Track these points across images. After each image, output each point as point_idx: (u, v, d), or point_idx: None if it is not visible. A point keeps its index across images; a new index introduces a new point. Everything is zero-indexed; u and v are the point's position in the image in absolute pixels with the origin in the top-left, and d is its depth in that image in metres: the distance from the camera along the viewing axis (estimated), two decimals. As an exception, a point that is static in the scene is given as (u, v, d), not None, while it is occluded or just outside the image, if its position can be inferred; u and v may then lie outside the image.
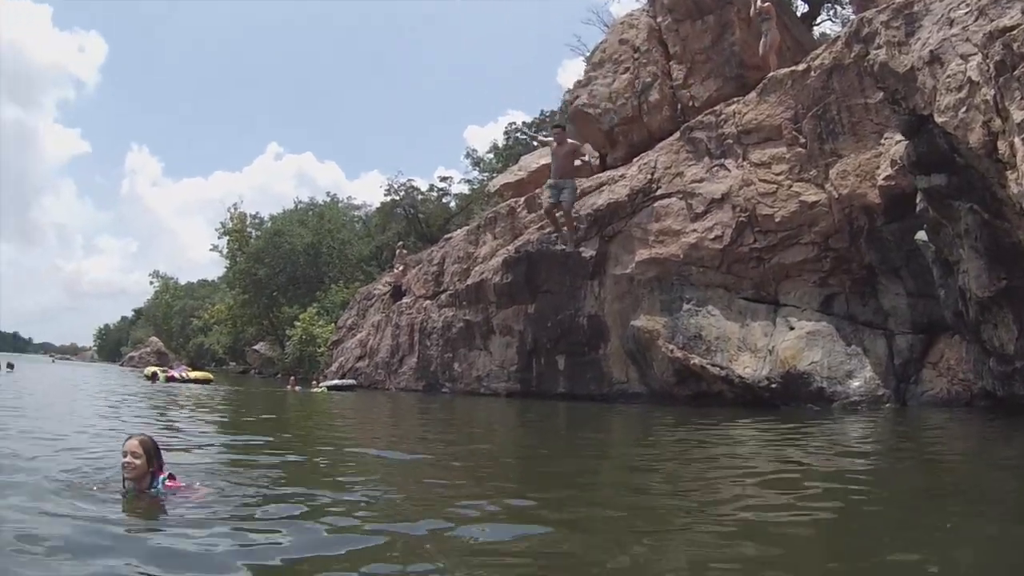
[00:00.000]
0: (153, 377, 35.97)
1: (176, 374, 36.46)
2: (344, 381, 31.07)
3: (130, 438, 6.06)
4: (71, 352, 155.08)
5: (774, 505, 5.91)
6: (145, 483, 5.85)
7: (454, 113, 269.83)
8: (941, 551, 4.45)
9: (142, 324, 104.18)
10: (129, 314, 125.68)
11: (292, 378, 32.99)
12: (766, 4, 18.31)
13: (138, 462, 5.83)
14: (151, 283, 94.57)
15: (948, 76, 10.71)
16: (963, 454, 9.43)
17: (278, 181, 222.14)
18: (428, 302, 27.32)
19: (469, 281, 24.23)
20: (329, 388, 29.40)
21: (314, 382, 32.26)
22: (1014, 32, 9.50)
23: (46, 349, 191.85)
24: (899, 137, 12.96)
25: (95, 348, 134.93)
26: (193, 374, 36.93)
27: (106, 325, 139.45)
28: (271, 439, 11.03)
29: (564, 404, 19.12)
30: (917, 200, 12.32)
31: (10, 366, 39.74)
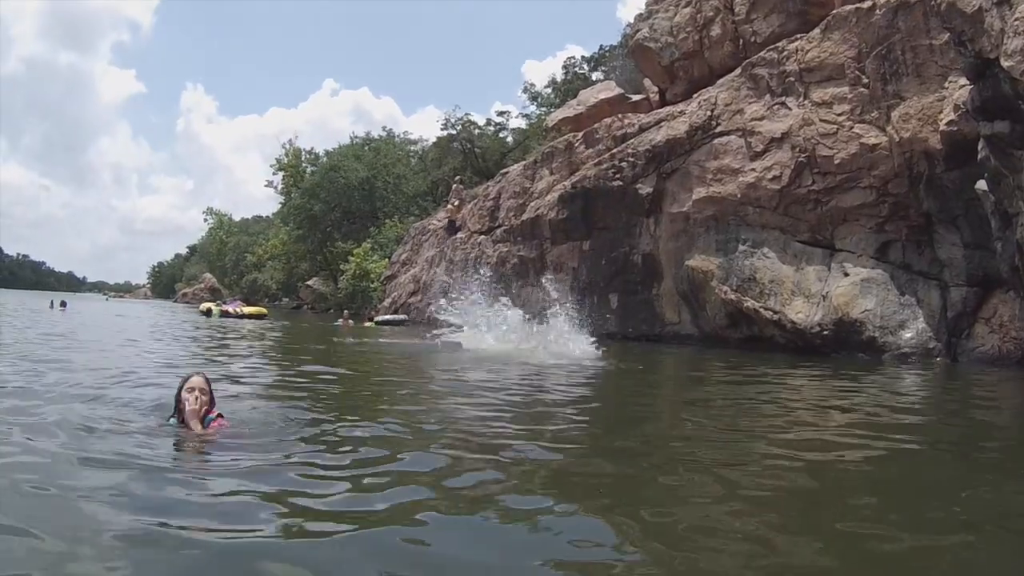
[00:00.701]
0: (208, 313, 36.55)
1: (231, 309, 37.06)
2: (395, 316, 31.48)
3: (195, 375, 6.23)
4: (125, 290, 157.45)
5: (796, 462, 5.82)
6: (201, 417, 5.96)
7: (512, 47, 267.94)
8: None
9: (196, 261, 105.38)
10: (183, 251, 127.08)
11: (345, 312, 33.29)
12: None
13: (205, 398, 6.02)
14: (205, 220, 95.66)
15: (1017, 19, 10.34)
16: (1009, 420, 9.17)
17: (334, 117, 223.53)
18: (483, 237, 27.36)
19: (524, 216, 24.22)
20: (379, 323, 29.80)
21: (367, 319, 32.43)
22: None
23: (100, 288, 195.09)
24: (963, 81, 12.59)
25: (149, 285, 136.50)
26: (247, 309, 37.50)
27: (160, 263, 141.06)
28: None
29: (616, 344, 19.03)
30: (979, 147, 11.89)
31: (63, 304, 40.20)
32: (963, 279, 14.00)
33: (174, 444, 5.65)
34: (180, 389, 6.13)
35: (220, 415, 6.15)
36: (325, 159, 55.28)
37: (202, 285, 74.15)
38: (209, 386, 6.18)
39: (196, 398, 5.97)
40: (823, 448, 6.06)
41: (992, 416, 8.77)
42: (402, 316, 31.89)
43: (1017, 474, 5.54)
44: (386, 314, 33.06)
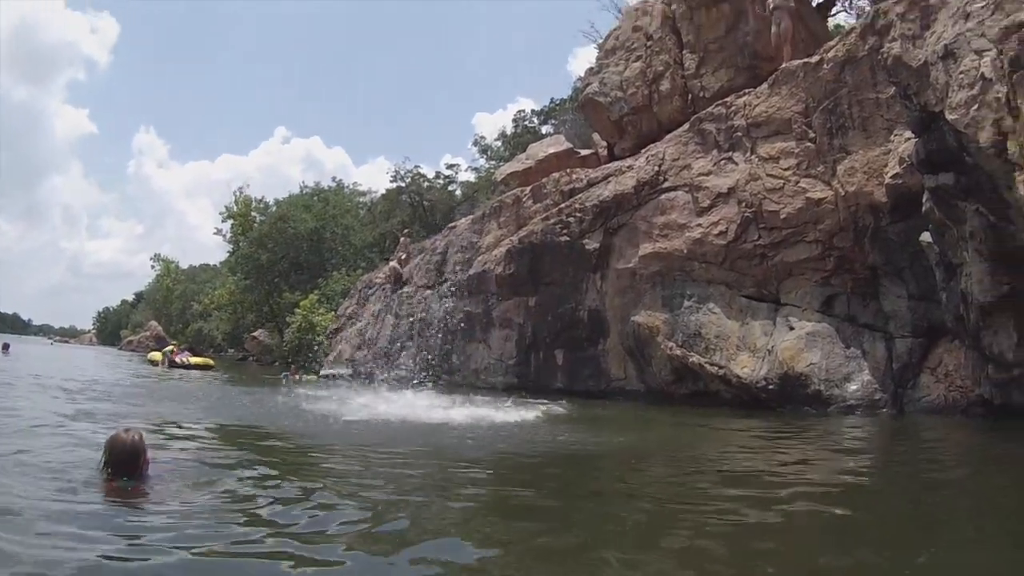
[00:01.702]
0: (159, 362, 36.24)
1: (179, 359, 36.65)
2: (340, 371, 31.15)
3: (127, 432, 6.08)
4: (70, 335, 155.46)
5: (742, 509, 5.63)
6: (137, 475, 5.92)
7: (464, 100, 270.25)
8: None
9: (142, 308, 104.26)
10: (130, 297, 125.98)
11: (293, 367, 33.11)
12: None
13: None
14: (152, 267, 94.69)
15: (961, 72, 10.36)
16: (951, 465, 9.06)
17: (285, 164, 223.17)
18: (429, 292, 27.07)
19: (471, 271, 23.94)
20: (323, 377, 29.58)
21: (313, 373, 32.35)
22: (1030, 28, 9.15)
23: (46, 331, 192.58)
24: (909, 134, 12.62)
25: (94, 331, 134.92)
26: (195, 360, 37.35)
27: (106, 308, 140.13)
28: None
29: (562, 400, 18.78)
30: (923, 200, 11.90)
31: (5, 347, 39.67)
32: (908, 330, 13.92)
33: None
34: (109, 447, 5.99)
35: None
36: (274, 208, 54.94)
37: (148, 333, 73.07)
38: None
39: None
40: (755, 505, 5.84)
41: (935, 467, 8.57)
42: (347, 370, 31.56)
43: (961, 532, 5.35)
44: (331, 368, 32.68)
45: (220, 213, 56.72)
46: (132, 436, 5.89)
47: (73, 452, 7.30)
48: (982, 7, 10.52)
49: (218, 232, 58.20)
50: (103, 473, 5.86)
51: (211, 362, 38.82)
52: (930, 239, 12.23)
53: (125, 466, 5.73)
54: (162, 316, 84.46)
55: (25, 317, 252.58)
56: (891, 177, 13.42)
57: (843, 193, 14.44)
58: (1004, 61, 9.43)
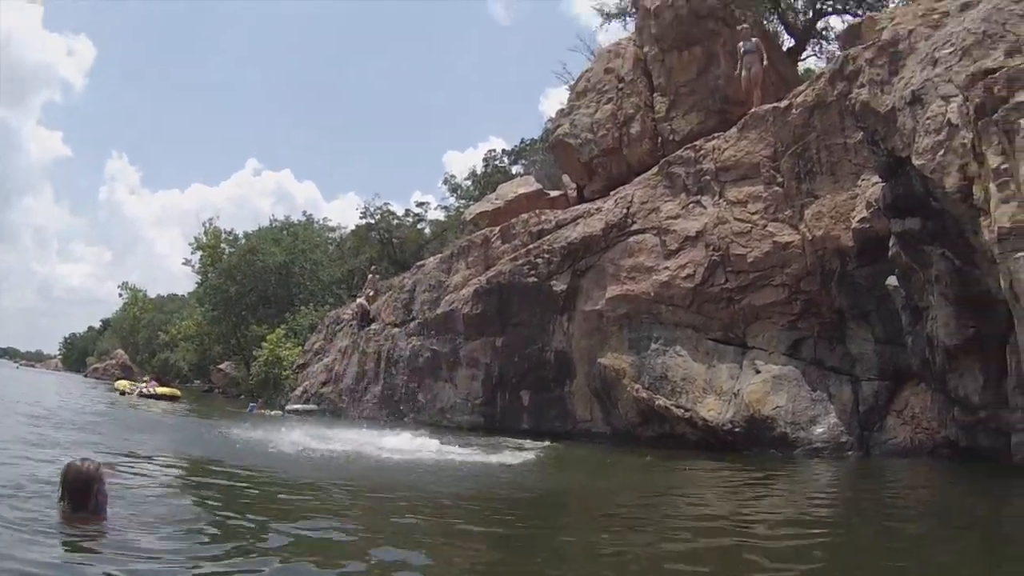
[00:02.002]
0: (126, 391, 36.06)
1: (146, 389, 36.51)
2: (305, 406, 30.86)
3: (82, 462, 6.13)
4: (36, 359, 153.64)
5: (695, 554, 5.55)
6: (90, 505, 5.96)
7: (434, 138, 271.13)
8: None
9: (109, 335, 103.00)
10: (97, 324, 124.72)
11: (260, 400, 32.92)
12: (753, 40, 18.15)
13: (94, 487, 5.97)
14: (120, 295, 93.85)
15: (928, 118, 10.50)
16: (913, 508, 9.11)
17: (256, 197, 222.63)
18: (396, 330, 26.87)
19: (439, 310, 23.80)
20: (288, 411, 29.26)
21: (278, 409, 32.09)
22: (995, 75, 9.21)
23: (11, 354, 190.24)
24: (876, 179, 12.75)
25: (60, 356, 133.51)
26: (161, 390, 37.11)
27: (72, 334, 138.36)
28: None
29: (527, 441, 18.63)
30: (890, 244, 11.99)
31: None
32: (875, 373, 13.92)
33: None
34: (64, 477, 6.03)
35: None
36: (244, 241, 54.64)
37: (114, 361, 72.19)
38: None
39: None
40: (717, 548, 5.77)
41: (893, 513, 8.53)
42: (312, 406, 31.36)
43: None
44: (297, 402, 32.44)
45: (189, 244, 56.44)
46: (87, 466, 5.92)
47: (31, 479, 7.31)
48: (949, 53, 10.64)
49: (187, 263, 57.70)
50: (60, 504, 5.93)
51: (177, 392, 38.44)
52: (896, 283, 12.30)
53: (78, 495, 5.78)
54: (129, 344, 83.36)
55: None
56: (858, 221, 13.47)
57: (810, 237, 14.48)
58: (970, 108, 9.48)
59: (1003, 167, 8.60)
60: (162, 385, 40.29)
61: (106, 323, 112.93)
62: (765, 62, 18.03)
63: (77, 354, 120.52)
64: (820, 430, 14.07)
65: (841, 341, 14.50)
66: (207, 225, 55.74)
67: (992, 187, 8.89)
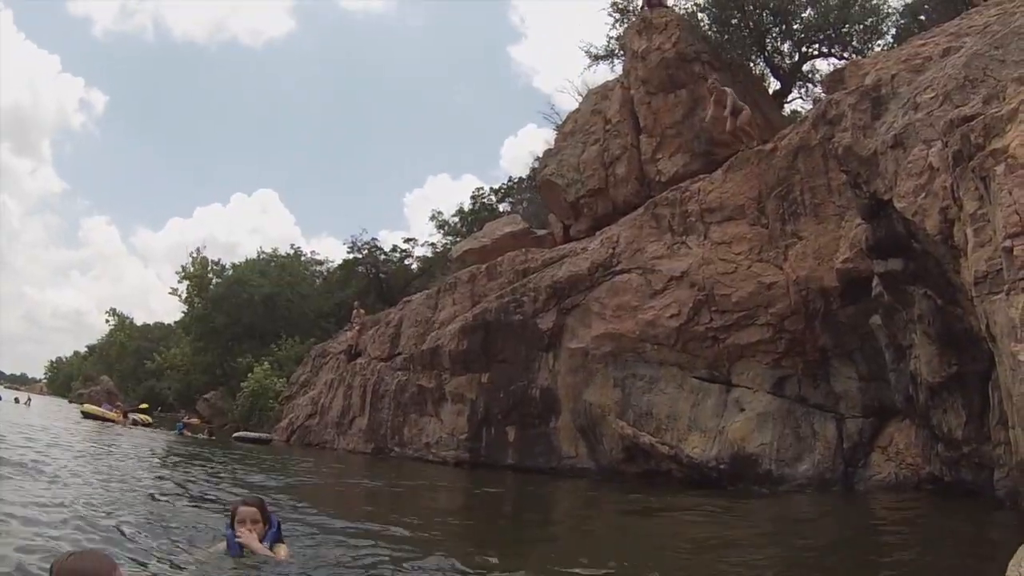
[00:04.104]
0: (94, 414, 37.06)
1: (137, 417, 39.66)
2: (256, 434, 32.12)
3: (242, 506, 6.33)
4: (21, 382, 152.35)
5: None
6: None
7: (420, 177, 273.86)
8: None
9: (94, 361, 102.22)
10: (83, 349, 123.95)
11: (186, 416, 38.79)
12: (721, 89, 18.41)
13: (258, 526, 6.14)
14: (107, 321, 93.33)
15: (910, 161, 10.67)
16: (894, 545, 9.07)
17: (237, 232, 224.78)
18: (383, 364, 27.00)
19: (425, 346, 23.91)
20: (237, 439, 30.01)
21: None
22: (972, 123, 9.42)
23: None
24: (859, 220, 12.88)
25: (45, 381, 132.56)
26: (141, 416, 39.97)
27: (58, 358, 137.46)
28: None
29: (512, 476, 18.74)
30: (873, 284, 12.20)
31: None
32: (859, 410, 14.04)
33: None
34: (232, 520, 6.17)
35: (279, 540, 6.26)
36: (231, 271, 54.66)
37: (99, 387, 71.69)
38: (261, 513, 6.23)
39: (248, 530, 6.03)
40: None
41: (875, 547, 8.62)
42: (265, 435, 31.97)
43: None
44: (284, 433, 32.71)
45: (176, 272, 56.48)
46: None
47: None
48: (931, 98, 10.87)
49: (173, 292, 57.74)
50: None
51: (149, 420, 40.44)
52: (880, 322, 12.46)
53: None
54: (114, 371, 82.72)
55: None
56: (841, 262, 13.65)
57: (794, 277, 14.66)
58: (949, 153, 9.67)
59: (980, 212, 8.75)
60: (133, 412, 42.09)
61: (92, 348, 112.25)
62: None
63: (62, 379, 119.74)
64: (805, 467, 14.16)
65: (825, 379, 14.59)
66: (194, 255, 55.88)
67: (969, 231, 9.03)
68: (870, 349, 13.46)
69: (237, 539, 5.98)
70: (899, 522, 10.66)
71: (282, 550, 6.18)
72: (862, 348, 13.81)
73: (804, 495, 13.60)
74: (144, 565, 5.63)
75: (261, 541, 6.01)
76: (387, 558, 6.78)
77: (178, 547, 6.58)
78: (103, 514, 7.62)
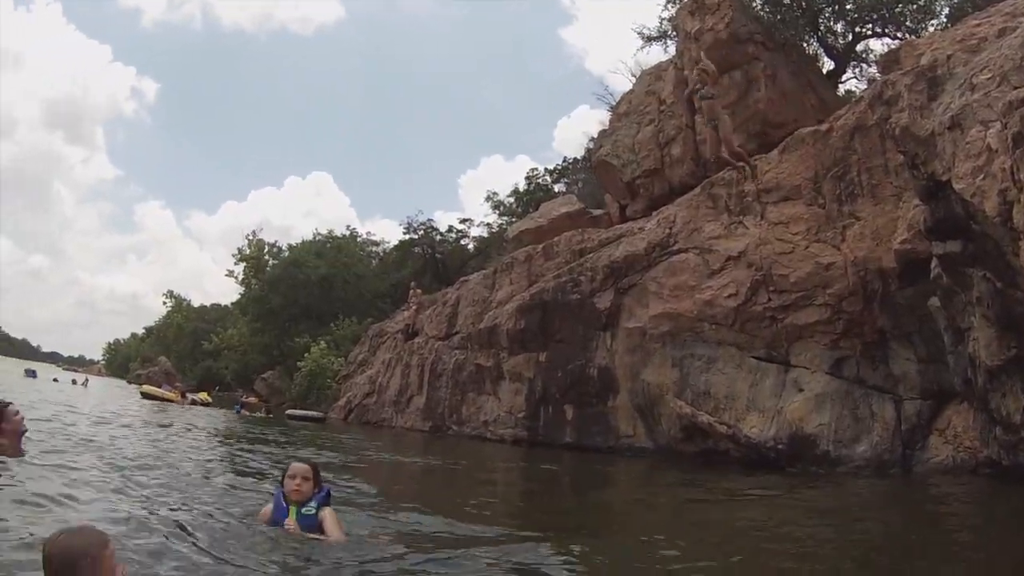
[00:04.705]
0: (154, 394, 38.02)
1: (196, 397, 40.77)
2: (307, 412, 32.77)
3: (296, 463, 6.57)
4: (79, 364, 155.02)
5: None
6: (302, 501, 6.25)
7: (474, 158, 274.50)
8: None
9: (151, 343, 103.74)
10: (140, 331, 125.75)
11: (244, 396, 37.21)
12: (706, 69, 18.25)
13: (307, 485, 6.28)
14: (164, 303, 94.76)
15: (968, 143, 10.55)
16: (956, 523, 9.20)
17: (292, 215, 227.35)
18: (440, 343, 27.28)
19: (482, 325, 24.18)
20: (290, 417, 30.53)
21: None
22: (1032, 103, 9.37)
23: (54, 359, 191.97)
24: (917, 201, 12.76)
25: (103, 362, 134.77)
26: (201, 395, 41.60)
27: (116, 340, 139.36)
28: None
29: (569, 455, 18.95)
30: (932, 266, 12.12)
31: (32, 373, 42.38)
32: (917, 392, 13.96)
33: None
34: (283, 477, 6.41)
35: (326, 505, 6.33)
36: (287, 253, 55.23)
37: (157, 368, 72.96)
38: (313, 474, 6.40)
39: (297, 485, 6.20)
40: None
41: (946, 527, 8.70)
42: (317, 413, 32.46)
43: None
44: (342, 412, 33.23)
45: (233, 255, 57.11)
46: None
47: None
48: (988, 79, 10.75)
49: (230, 274, 58.43)
50: None
51: (209, 399, 41.79)
52: (938, 304, 12.35)
53: None
54: (172, 352, 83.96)
55: (34, 343, 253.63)
56: (899, 243, 13.57)
57: (852, 258, 14.62)
58: (1008, 134, 9.63)
59: (1040, 194, 8.74)
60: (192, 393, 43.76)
61: (149, 330, 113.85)
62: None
63: (120, 360, 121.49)
64: (863, 448, 14.14)
65: (884, 360, 14.51)
66: (251, 237, 56.48)
67: (1030, 212, 9.05)
68: (929, 331, 13.34)
69: (286, 526, 6.12)
70: (958, 505, 10.66)
71: (329, 515, 6.26)
72: (920, 330, 13.69)
73: (862, 477, 13.57)
74: (188, 533, 5.77)
75: (308, 501, 6.19)
76: (446, 535, 6.90)
77: (227, 516, 6.77)
78: (150, 488, 7.75)
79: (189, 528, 5.95)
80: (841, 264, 14.87)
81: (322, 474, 6.63)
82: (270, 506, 6.45)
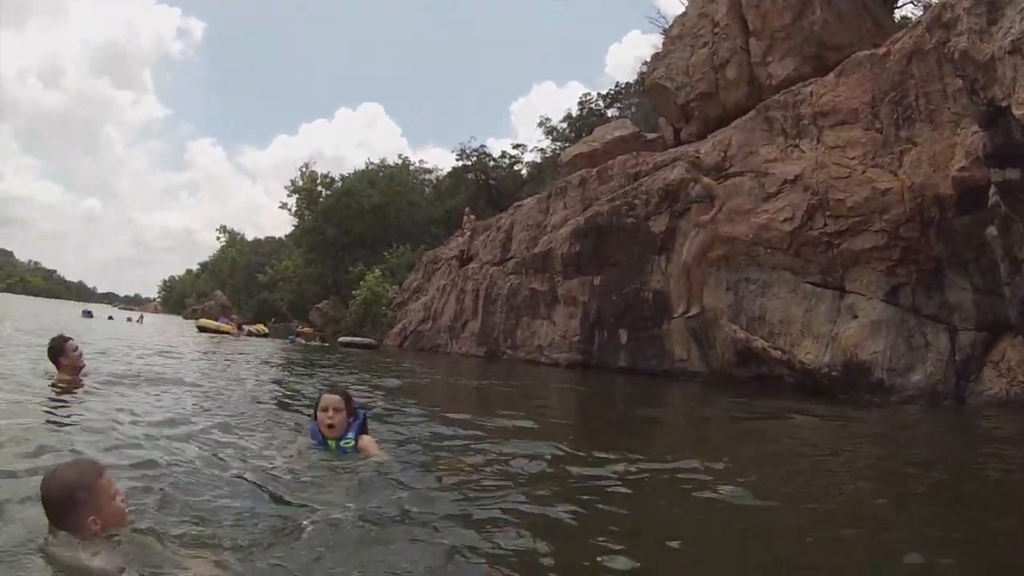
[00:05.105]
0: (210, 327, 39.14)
1: (253, 328, 41.88)
2: (359, 339, 33.46)
3: (327, 393, 6.39)
4: (135, 303, 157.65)
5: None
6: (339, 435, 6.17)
7: (525, 85, 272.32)
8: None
9: (206, 278, 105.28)
10: (195, 267, 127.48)
11: (299, 327, 41.42)
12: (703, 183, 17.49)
13: (340, 415, 6.16)
14: (218, 238, 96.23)
15: (1029, 68, 10.45)
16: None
17: (343, 147, 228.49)
18: (495, 268, 27.56)
19: (537, 249, 24.40)
20: (343, 344, 31.14)
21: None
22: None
23: (110, 299, 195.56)
24: (975, 127, 12.58)
25: (159, 300, 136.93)
26: (258, 326, 43.22)
27: (171, 277, 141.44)
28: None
29: (623, 378, 19.20)
30: (990, 194, 11.95)
31: (88, 314, 43.46)
32: (972, 323, 13.81)
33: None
34: (316, 408, 6.28)
35: (364, 432, 6.26)
36: (340, 183, 55.49)
37: (212, 302, 74.18)
38: (345, 403, 6.24)
39: (330, 417, 6.10)
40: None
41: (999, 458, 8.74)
42: (368, 340, 33.00)
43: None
44: (396, 339, 33.74)
45: (285, 187, 57.56)
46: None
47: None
48: (1051, 2, 10.61)
49: (283, 206, 59.06)
50: None
51: (266, 330, 42.97)
52: (996, 233, 12.18)
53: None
54: (227, 286, 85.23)
55: (90, 285, 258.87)
56: (957, 170, 13.34)
57: (909, 184, 14.43)
58: (1070, 60, 9.51)
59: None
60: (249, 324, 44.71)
61: (204, 266, 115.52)
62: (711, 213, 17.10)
63: (176, 297, 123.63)
64: (917, 377, 14.12)
65: (939, 289, 14.35)
66: (304, 169, 56.93)
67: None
68: (986, 261, 13.12)
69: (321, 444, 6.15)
70: (1010, 440, 10.46)
71: (368, 443, 6.20)
72: (977, 260, 13.45)
73: (916, 406, 13.60)
74: (224, 462, 5.82)
75: (346, 433, 6.11)
76: (494, 454, 6.83)
77: (270, 444, 6.81)
78: (199, 415, 8.03)
79: (230, 457, 6.06)
80: (898, 190, 14.69)
81: (373, 396, 6.66)
82: (306, 439, 6.47)
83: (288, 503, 4.75)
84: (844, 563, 4.26)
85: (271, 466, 5.81)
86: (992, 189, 11.88)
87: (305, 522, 4.32)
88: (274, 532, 4.13)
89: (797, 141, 16.88)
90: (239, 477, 5.27)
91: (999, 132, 11.33)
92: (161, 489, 4.65)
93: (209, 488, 4.92)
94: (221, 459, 5.90)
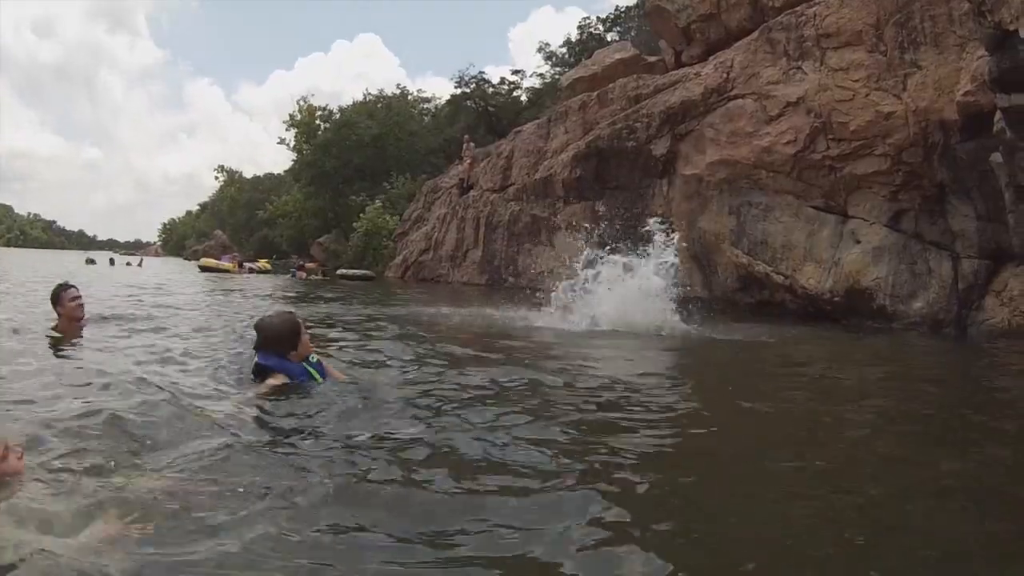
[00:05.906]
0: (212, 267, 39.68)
1: (254, 265, 42.60)
2: (357, 271, 34.15)
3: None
4: (136, 247, 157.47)
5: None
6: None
7: (523, 11, 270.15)
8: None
9: (206, 218, 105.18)
10: (195, 208, 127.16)
11: (299, 262, 40.96)
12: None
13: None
14: (216, 177, 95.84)
15: (1037, -10, 10.29)
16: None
17: (341, 80, 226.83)
18: (495, 196, 27.49)
19: (538, 175, 24.35)
20: (341, 277, 31.50)
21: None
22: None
23: (111, 246, 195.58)
24: (982, 52, 12.38)
25: (160, 243, 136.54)
26: (261, 263, 44.56)
27: (171, 219, 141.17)
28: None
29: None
30: (995, 119, 11.82)
31: (92, 261, 44.31)
32: (975, 251, 13.77)
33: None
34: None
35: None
36: (338, 116, 55.13)
37: (212, 242, 74.18)
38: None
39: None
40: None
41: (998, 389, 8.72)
42: (366, 272, 33.40)
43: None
44: (397, 271, 33.84)
45: (284, 122, 57.09)
46: (275, 320, 5.85)
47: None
48: (1059, -78, 10.40)
49: (281, 141, 58.61)
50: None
51: (268, 267, 43.98)
52: (1001, 160, 12.07)
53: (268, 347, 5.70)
54: (227, 225, 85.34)
55: (90, 233, 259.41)
56: (963, 95, 13.14)
57: (913, 108, 14.27)
58: (1082, -19, 9.35)
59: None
60: (250, 262, 45.27)
61: (203, 206, 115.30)
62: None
63: (176, 239, 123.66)
64: (919, 304, 14.18)
65: (942, 216, 14.30)
66: (301, 103, 56.36)
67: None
68: (989, 188, 12.97)
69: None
70: (1012, 370, 10.35)
71: (326, 360, 6.25)
72: (981, 187, 13.32)
73: (917, 333, 13.64)
74: (202, 397, 5.63)
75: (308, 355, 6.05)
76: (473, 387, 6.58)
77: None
78: (197, 354, 7.80)
79: (221, 387, 6.04)
80: (902, 114, 14.53)
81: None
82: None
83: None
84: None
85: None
86: (998, 115, 11.73)
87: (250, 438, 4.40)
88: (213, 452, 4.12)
89: (800, 63, 16.65)
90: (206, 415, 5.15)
91: (1006, 57, 11.15)
92: (111, 416, 4.55)
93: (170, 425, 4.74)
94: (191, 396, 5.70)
